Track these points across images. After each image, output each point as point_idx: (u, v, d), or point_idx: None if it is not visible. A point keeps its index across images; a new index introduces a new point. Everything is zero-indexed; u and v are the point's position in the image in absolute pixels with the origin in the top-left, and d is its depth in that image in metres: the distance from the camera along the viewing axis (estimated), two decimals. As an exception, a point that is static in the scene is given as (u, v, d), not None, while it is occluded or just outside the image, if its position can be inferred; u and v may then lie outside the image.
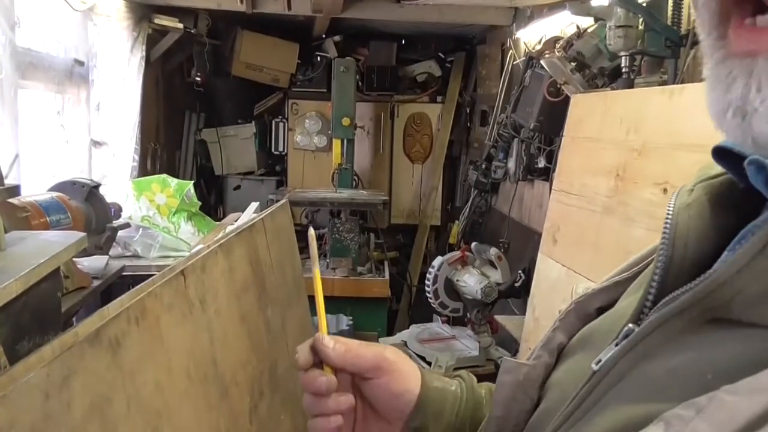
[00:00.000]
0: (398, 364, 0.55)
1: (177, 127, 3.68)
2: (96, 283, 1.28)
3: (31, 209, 1.08)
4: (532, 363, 0.46)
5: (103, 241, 1.42)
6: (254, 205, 2.13)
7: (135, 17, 2.64)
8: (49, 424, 0.42)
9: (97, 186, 1.42)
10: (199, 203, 2.08)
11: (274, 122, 3.68)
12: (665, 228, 0.37)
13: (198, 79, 3.47)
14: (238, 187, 3.79)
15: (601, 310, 0.46)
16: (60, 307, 0.95)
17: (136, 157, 2.59)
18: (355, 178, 3.34)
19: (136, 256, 1.69)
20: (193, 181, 2.05)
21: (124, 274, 1.47)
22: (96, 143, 2.26)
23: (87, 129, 2.18)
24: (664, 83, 1.70)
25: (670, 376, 0.32)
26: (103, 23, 2.33)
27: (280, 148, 3.69)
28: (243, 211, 2.07)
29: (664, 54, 1.91)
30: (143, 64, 2.69)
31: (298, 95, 3.63)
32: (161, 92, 3.28)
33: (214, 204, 3.81)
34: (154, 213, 1.84)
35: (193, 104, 3.77)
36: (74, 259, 1.20)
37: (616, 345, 0.36)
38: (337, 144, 3.13)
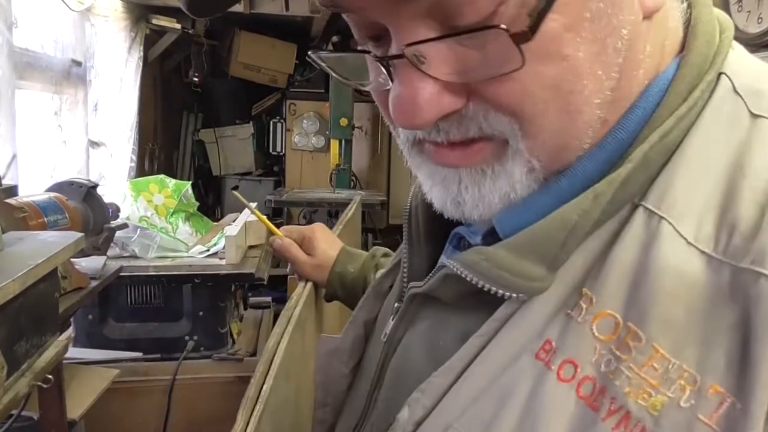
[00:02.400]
0: (320, 242, 0.93)
1: (175, 128, 3.68)
2: (94, 283, 1.28)
3: (29, 209, 1.07)
4: (341, 337, 0.59)
5: (101, 242, 1.42)
6: (252, 205, 2.12)
7: (132, 17, 2.64)
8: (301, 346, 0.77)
9: (94, 186, 1.41)
10: (197, 204, 2.08)
11: (272, 123, 3.68)
12: (405, 228, 0.54)
13: (196, 79, 3.47)
14: (236, 188, 3.79)
15: (391, 287, 0.58)
16: (58, 307, 0.95)
17: (134, 158, 2.59)
18: (353, 178, 3.34)
19: (134, 256, 1.68)
20: (191, 182, 2.04)
21: (122, 274, 1.47)
22: (94, 144, 2.25)
23: (84, 129, 2.18)
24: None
25: (420, 341, 0.46)
26: (101, 24, 2.33)
27: (278, 149, 3.69)
28: (241, 211, 2.06)
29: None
30: (141, 64, 2.69)
31: (295, 96, 3.63)
32: (159, 93, 3.27)
33: (212, 204, 3.81)
34: (152, 213, 1.84)
35: (190, 105, 3.77)
36: (72, 259, 1.20)
37: (392, 319, 0.49)
38: (335, 144, 3.13)
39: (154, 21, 2.76)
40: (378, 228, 3.31)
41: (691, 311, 0.32)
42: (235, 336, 1.68)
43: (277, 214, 3.59)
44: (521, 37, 0.32)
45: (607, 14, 0.34)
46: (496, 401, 0.36)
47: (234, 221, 1.90)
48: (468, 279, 0.39)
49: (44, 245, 0.87)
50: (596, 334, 0.34)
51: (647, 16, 0.37)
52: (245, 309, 1.92)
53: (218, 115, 3.82)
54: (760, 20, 1.60)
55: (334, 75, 0.42)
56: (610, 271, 0.35)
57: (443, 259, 0.43)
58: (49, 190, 1.34)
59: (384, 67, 0.37)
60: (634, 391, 0.32)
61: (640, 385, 0.32)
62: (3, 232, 0.87)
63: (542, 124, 0.36)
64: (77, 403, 1.12)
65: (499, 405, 0.36)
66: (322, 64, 0.41)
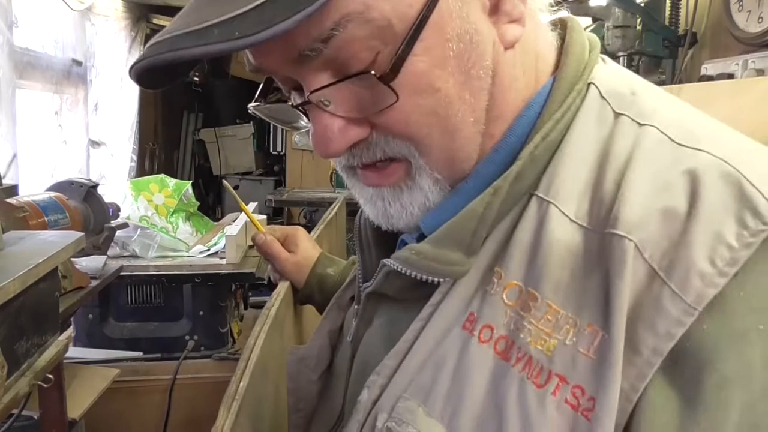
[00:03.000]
0: (302, 240, 0.95)
1: (175, 128, 3.68)
2: (94, 283, 1.28)
3: (29, 209, 1.07)
4: (308, 345, 0.66)
5: (102, 241, 1.42)
6: (252, 205, 2.12)
7: (133, 17, 2.64)
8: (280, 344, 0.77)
9: (95, 186, 1.41)
10: (198, 203, 2.08)
11: (272, 122, 3.68)
12: (355, 238, 0.60)
13: (196, 79, 3.47)
14: (236, 187, 3.79)
15: (352, 299, 0.64)
16: (58, 306, 0.95)
17: (135, 157, 2.59)
18: (354, 178, 3.34)
19: (134, 256, 1.68)
20: (191, 181, 2.04)
21: (122, 274, 1.47)
22: (94, 143, 2.26)
23: (85, 129, 2.18)
24: (662, 83, 1.70)
25: (377, 336, 0.53)
26: (101, 23, 2.33)
27: (279, 148, 3.70)
28: (241, 211, 2.06)
29: (662, 54, 1.91)
30: (141, 64, 2.68)
31: (296, 95, 3.63)
32: (159, 92, 3.27)
33: (212, 204, 3.82)
34: (153, 213, 1.84)
35: (191, 104, 3.77)
36: (72, 259, 1.20)
37: (354, 321, 0.57)
38: (335, 144, 3.13)
39: (155, 20, 2.76)
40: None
41: (574, 272, 0.40)
42: (235, 335, 1.68)
43: (278, 213, 3.59)
44: (387, 78, 0.40)
45: (468, 51, 0.42)
46: (433, 370, 0.43)
47: (234, 221, 1.90)
48: (403, 272, 0.46)
49: (44, 245, 0.87)
50: (506, 301, 0.42)
51: (508, 47, 0.45)
52: (245, 309, 1.92)
53: (218, 114, 3.82)
54: (760, 20, 1.60)
55: (275, 123, 0.52)
56: (514, 250, 0.43)
57: (383, 260, 0.49)
58: (50, 189, 1.34)
59: (302, 112, 0.47)
60: (534, 340, 0.40)
61: (539, 335, 0.40)
62: (3, 232, 0.87)
63: (430, 144, 0.44)
64: (78, 403, 1.12)
65: (436, 372, 0.43)
66: (261, 116, 0.51)
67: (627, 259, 0.37)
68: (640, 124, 0.43)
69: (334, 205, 1.52)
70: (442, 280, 0.45)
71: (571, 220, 0.41)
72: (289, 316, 0.90)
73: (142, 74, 0.40)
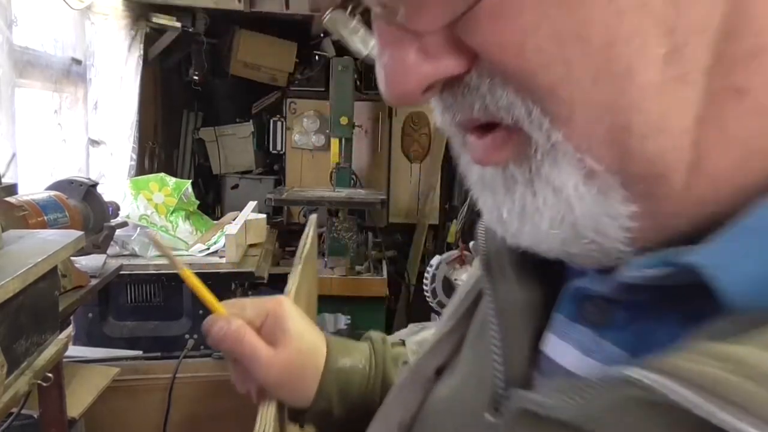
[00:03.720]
0: (292, 321, 0.51)
1: (175, 126, 3.68)
2: (94, 281, 1.28)
3: (29, 208, 1.07)
4: None
5: (101, 240, 1.42)
6: (252, 204, 2.12)
7: (133, 16, 2.63)
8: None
9: (94, 185, 1.41)
10: (197, 202, 2.08)
11: (272, 121, 3.68)
12: (484, 277, 0.35)
13: (196, 78, 3.46)
14: (236, 186, 3.78)
15: (439, 370, 0.39)
16: (58, 305, 0.95)
17: (134, 156, 2.59)
18: (354, 177, 3.34)
19: (133, 255, 1.68)
20: (191, 180, 2.04)
21: (122, 273, 1.47)
22: (94, 142, 2.25)
23: (85, 128, 2.18)
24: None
25: None
26: (101, 22, 2.32)
27: (278, 147, 3.69)
28: (241, 210, 2.07)
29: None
30: (141, 62, 2.68)
31: (296, 94, 3.62)
32: (159, 91, 3.27)
33: (212, 203, 3.81)
34: (152, 212, 1.84)
35: (191, 103, 3.77)
36: (72, 257, 1.20)
37: None
38: (335, 143, 3.13)
39: (154, 19, 2.75)
40: (378, 227, 3.30)
41: None
42: (235, 334, 1.68)
43: (277, 213, 3.59)
44: None
45: None
46: None
47: (234, 220, 1.90)
48: (693, 410, 0.19)
49: (44, 244, 0.87)
50: None
51: None
52: (245, 307, 1.92)
53: (218, 113, 3.81)
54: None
55: (341, 40, 0.32)
56: None
57: (619, 370, 0.22)
58: (49, 188, 1.34)
59: (368, 27, 0.28)
60: None
61: None
62: (3, 231, 0.87)
63: (572, 99, 0.22)
64: (77, 402, 1.12)
65: None
66: (327, 28, 0.31)
67: None
68: None
69: (306, 231, 1.17)
70: None
71: None
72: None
73: None
